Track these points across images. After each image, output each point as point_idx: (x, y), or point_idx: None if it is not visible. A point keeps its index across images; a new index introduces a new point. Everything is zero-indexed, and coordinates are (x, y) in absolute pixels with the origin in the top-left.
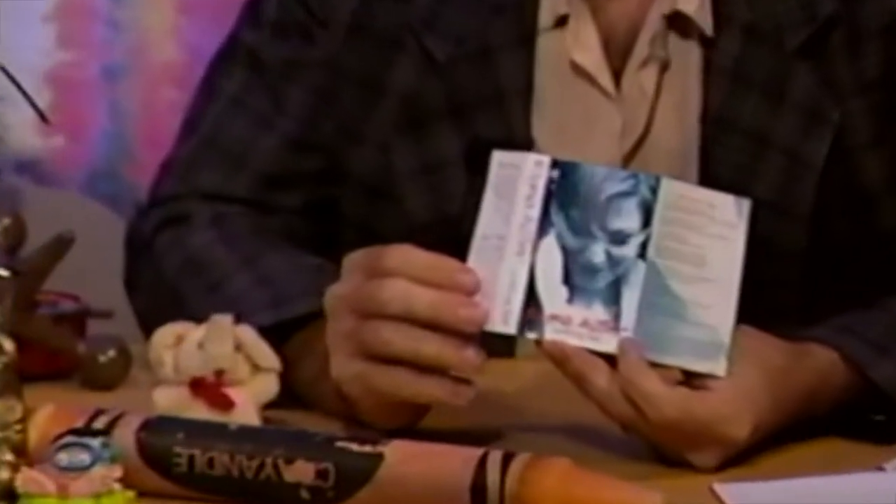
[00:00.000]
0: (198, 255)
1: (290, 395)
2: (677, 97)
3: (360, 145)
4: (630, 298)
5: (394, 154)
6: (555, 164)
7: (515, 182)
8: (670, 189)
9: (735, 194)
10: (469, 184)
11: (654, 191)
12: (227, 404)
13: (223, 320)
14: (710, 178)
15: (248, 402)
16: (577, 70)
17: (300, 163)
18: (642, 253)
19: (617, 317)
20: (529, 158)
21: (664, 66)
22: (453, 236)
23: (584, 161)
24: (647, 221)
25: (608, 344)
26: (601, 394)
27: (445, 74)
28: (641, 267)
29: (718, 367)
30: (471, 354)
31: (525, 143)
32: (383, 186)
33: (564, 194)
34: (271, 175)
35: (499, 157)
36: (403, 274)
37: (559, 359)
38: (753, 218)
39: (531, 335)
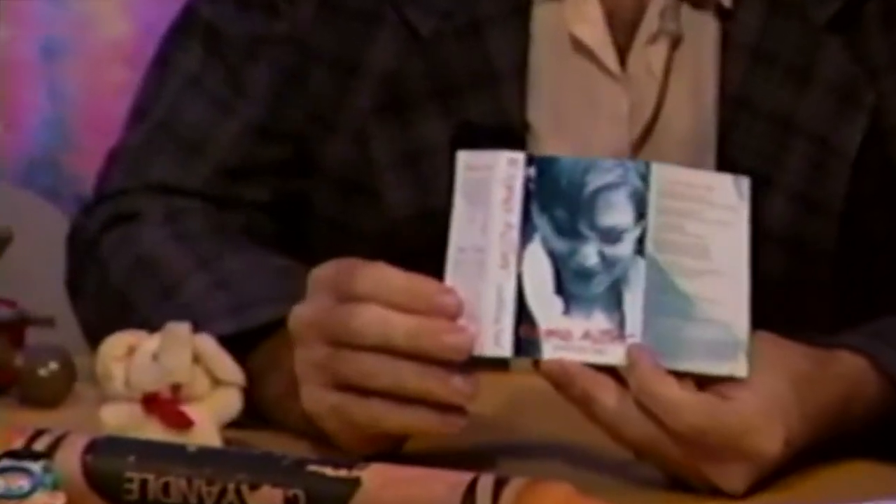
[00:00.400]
0: (150, 255)
1: (255, 412)
2: (691, 77)
3: (333, 132)
4: (633, 301)
5: (371, 142)
6: (530, 160)
7: (488, 185)
8: (662, 175)
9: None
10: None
11: (644, 178)
12: (184, 423)
13: (179, 329)
14: (728, 166)
15: (208, 420)
16: (578, 46)
17: (265, 152)
18: (640, 249)
19: (621, 323)
20: (501, 157)
21: (675, 42)
22: (439, 234)
23: (579, 153)
24: (640, 214)
25: (615, 355)
26: (612, 415)
27: (430, 51)
28: (641, 265)
29: (739, 367)
30: (459, 384)
31: (520, 128)
32: (360, 178)
33: (545, 193)
34: (232, 166)
35: (465, 159)
36: (378, 299)
37: (562, 380)
38: (760, 204)
39: (529, 356)
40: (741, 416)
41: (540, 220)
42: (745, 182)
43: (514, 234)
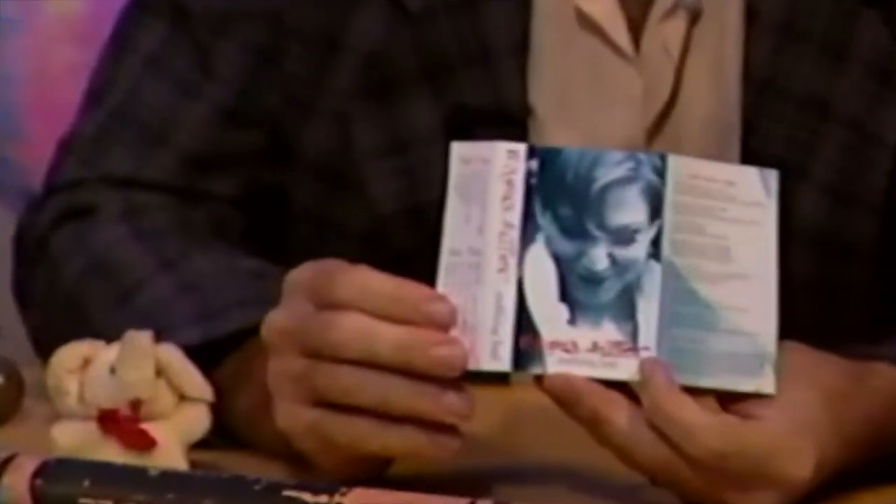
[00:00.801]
0: (106, 255)
1: (225, 431)
2: (711, 56)
3: (312, 117)
4: (647, 310)
5: (354, 128)
6: (531, 152)
7: (486, 180)
8: (679, 168)
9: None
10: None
11: (659, 172)
12: (145, 443)
13: (140, 338)
14: (754, 155)
15: (172, 440)
16: (585, 22)
17: (236, 139)
18: (655, 252)
19: (634, 334)
20: (499, 149)
21: (694, 17)
22: (430, 233)
23: (589, 144)
24: (655, 212)
25: (627, 370)
26: (624, 436)
27: (420, 27)
28: (656, 269)
29: (766, 383)
30: (453, 401)
31: (521, 113)
32: (341, 169)
33: (548, 189)
34: (199, 155)
35: (460, 150)
36: (361, 307)
37: (568, 397)
38: (790, 198)
39: (530, 370)
40: (767, 438)
41: (543, 219)
42: (772, 175)
43: (515, 235)
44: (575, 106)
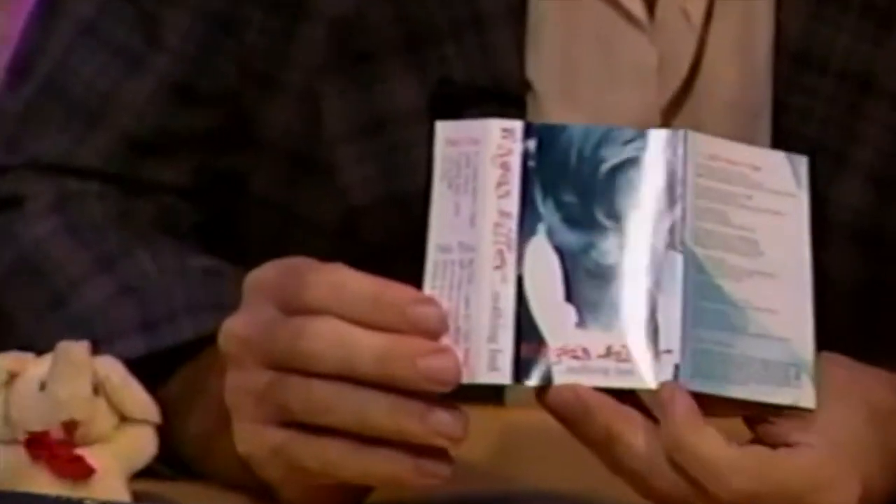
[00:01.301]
0: (35, 253)
1: (173, 457)
2: (739, 24)
3: (275, 93)
4: (668, 307)
5: (324, 106)
6: (528, 129)
7: (477, 164)
8: (699, 147)
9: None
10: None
11: (676, 152)
12: (81, 471)
13: (75, 350)
14: (788, 138)
15: (113, 467)
16: None
17: (186, 119)
18: (673, 241)
19: (654, 336)
20: (492, 127)
21: None
22: (411, 226)
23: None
24: (673, 196)
25: (647, 376)
26: (641, 461)
27: None
28: (678, 261)
29: (805, 395)
30: (442, 421)
31: (517, 89)
32: (309, 153)
33: (549, 172)
34: (143, 138)
35: (445, 132)
36: (337, 311)
37: (578, 413)
38: (830, 187)
39: (534, 381)
40: (804, 473)
41: (544, 208)
42: (802, 162)
43: (512, 226)
44: (579, 81)
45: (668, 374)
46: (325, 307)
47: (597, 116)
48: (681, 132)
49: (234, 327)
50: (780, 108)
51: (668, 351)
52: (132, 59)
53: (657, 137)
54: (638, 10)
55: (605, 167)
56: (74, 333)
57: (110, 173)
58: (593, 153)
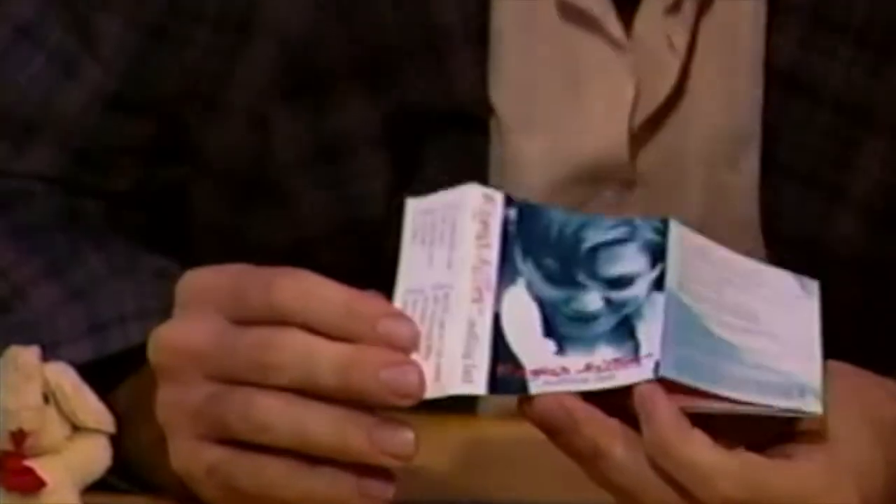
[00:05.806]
0: None
1: (125, 467)
2: (726, 47)
3: (219, 116)
4: (650, 329)
5: (273, 130)
6: (509, 199)
7: (455, 221)
8: (683, 237)
9: (802, 267)
10: (391, 175)
11: (661, 233)
12: (31, 484)
13: (24, 356)
14: (778, 170)
15: (65, 479)
16: (562, 3)
17: (122, 128)
18: (658, 286)
19: (635, 350)
20: (473, 192)
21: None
22: (370, 257)
23: (545, 204)
24: (656, 260)
25: (628, 378)
26: (629, 475)
27: (353, 9)
28: (659, 300)
29: (810, 403)
30: (389, 436)
31: (480, 113)
32: (257, 179)
33: (529, 241)
34: (80, 146)
35: (416, 207)
36: (303, 318)
37: (563, 424)
38: (825, 220)
39: (509, 394)
40: (795, 483)
41: (524, 265)
42: (813, 286)
43: (491, 271)
44: (544, 105)
45: (648, 373)
46: (292, 314)
47: (561, 145)
48: (665, 220)
49: (169, 337)
50: (770, 139)
51: (650, 354)
52: (66, 66)
53: (640, 225)
54: (614, 27)
55: (585, 245)
56: (21, 339)
57: (52, 177)
58: (574, 234)
